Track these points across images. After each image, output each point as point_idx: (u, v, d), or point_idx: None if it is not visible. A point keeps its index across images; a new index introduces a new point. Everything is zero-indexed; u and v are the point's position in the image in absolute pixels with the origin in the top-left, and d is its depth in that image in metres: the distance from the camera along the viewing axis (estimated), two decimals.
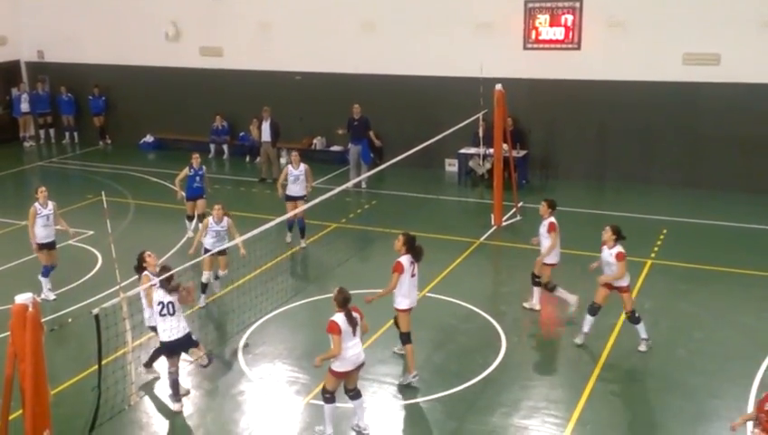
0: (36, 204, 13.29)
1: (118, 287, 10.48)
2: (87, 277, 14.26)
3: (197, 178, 15.93)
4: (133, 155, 24.06)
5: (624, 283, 11.14)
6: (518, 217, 16.98)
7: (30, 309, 6.86)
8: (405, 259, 10.38)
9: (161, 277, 9.67)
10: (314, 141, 22.67)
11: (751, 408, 9.47)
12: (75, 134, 25.90)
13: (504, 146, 16.87)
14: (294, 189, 15.60)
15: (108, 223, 10.73)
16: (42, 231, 13.27)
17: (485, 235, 16.21)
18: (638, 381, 10.72)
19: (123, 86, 24.91)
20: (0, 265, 14.78)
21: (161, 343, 10.01)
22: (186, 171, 15.90)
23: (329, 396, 9.19)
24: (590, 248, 15.14)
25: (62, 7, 25.30)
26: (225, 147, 23.58)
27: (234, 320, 12.54)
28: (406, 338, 10.62)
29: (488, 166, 19.32)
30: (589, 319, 11.38)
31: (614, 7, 18.97)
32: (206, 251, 12.50)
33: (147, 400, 10.38)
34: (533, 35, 19.74)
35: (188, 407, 10.16)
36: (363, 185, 19.63)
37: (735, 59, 18.10)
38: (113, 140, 25.57)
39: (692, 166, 19.06)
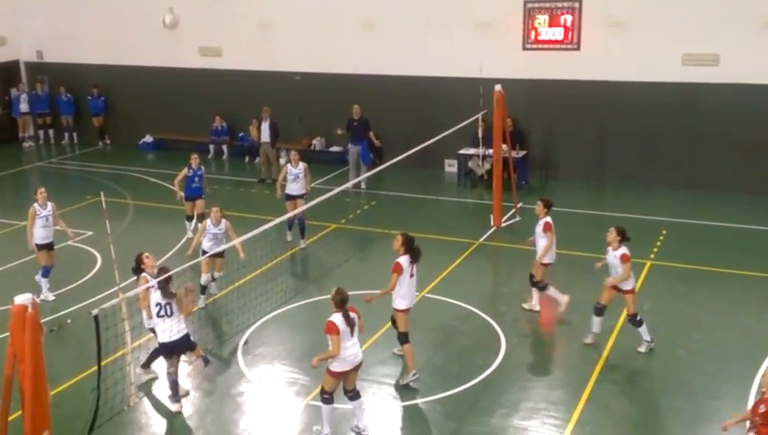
0: (36, 205, 13.30)
1: (117, 288, 10.47)
2: (86, 278, 14.25)
3: (196, 179, 15.97)
4: (132, 155, 24.05)
5: (629, 285, 11.12)
6: (517, 218, 16.97)
7: (29, 310, 6.85)
8: (404, 260, 10.39)
9: (159, 279, 9.64)
10: (314, 142, 22.66)
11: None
12: (74, 134, 25.88)
13: (504, 146, 16.87)
14: (294, 188, 15.67)
15: (107, 223, 10.72)
16: (41, 232, 13.29)
17: (485, 235, 16.20)
18: (638, 382, 10.71)
19: (122, 86, 24.90)
20: (0, 266, 14.77)
21: (159, 343, 10.01)
22: (185, 172, 15.92)
23: (327, 397, 9.19)
24: (589, 249, 15.15)
25: (61, 7, 25.29)
26: (224, 147, 23.57)
27: (233, 321, 12.53)
28: (404, 338, 10.63)
29: (487, 166, 19.32)
30: (596, 319, 11.39)
31: (613, 8, 18.97)
32: (204, 253, 12.52)
33: (146, 400, 10.37)
34: (533, 36, 19.74)
35: (188, 408, 10.15)
36: (363, 185, 19.62)
37: (735, 59, 18.10)
38: (112, 140, 25.56)
39: (691, 166, 19.07)
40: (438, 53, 20.53)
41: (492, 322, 12.32)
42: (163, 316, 9.71)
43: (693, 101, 18.70)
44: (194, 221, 15.97)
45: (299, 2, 22.04)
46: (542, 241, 12.27)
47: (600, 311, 11.34)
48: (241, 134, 23.35)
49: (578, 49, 19.41)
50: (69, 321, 11.56)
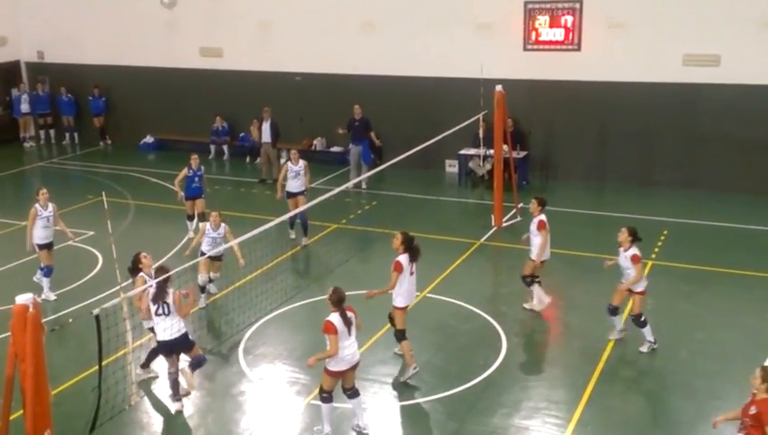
0: (37, 205, 13.34)
1: (118, 288, 10.52)
2: (87, 278, 14.26)
3: (196, 179, 16.05)
4: (133, 156, 24.06)
5: (640, 287, 11.11)
6: (518, 218, 16.96)
7: (30, 309, 6.86)
8: (403, 258, 10.47)
9: (158, 280, 9.62)
10: (314, 142, 22.66)
11: None
12: (75, 135, 25.88)
13: (504, 147, 16.87)
14: (294, 185, 15.81)
15: (109, 223, 10.74)
16: (42, 232, 13.35)
17: (486, 236, 16.21)
18: (640, 381, 10.71)
19: (123, 87, 24.91)
20: (0, 266, 14.78)
21: (157, 341, 10.03)
22: (185, 172, 16.00)
23: (326, 396, 9.21)
24: (590, 249, 15.20)
25: (62, 8, 25.30)
26: (225, 148, 23.57)
27: (234, 320, 12.54)
28: (401, 335, 10.70)
29: (488, 167, 19.31)
30: (614, 318, 11.46)
31: (614, 8, 18.97)
32: (203, 254, 12.55)
33: (147, 400, 10.38)
34: (533, 36, 19.74)
35: (189, 407, 10.15)
36: (363, 186, 19.63)
37: (735, 60, 18.10)
38: (113, 140, 25.57)
39: (692, 167, 19.07)
40: (439, 54, 20.53)
41: (493, 321, 12.32)
42: (161, 315, 9.73)
43: (693, 101, 18.71)
44: (195, 221, 16.06)
45: (299, 2, 22.05)
46: (536, 239, 12.30)
47: (614, 311, 11.40)
48: (242, 134, 23.36)
49: (578, 50, 19.41)
50: (70, 320, 11.58)
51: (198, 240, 13.01)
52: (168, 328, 9.73)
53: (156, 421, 10.01)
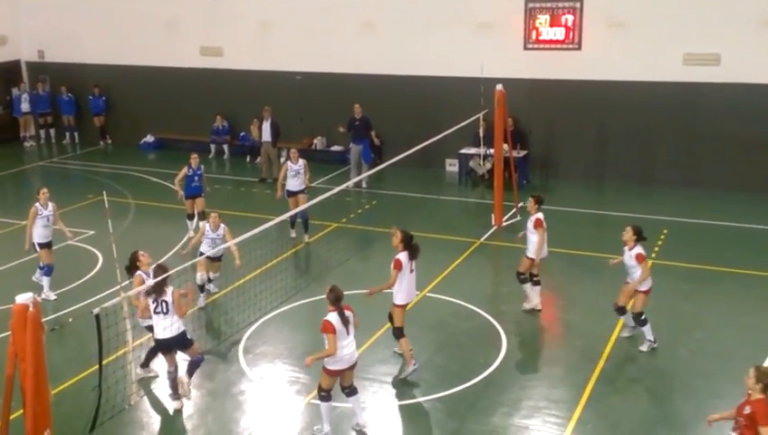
0: (37, 204, 13.36)
1: (118, 287, 10.50)
2: (87, 277, 14.27)
3: (196, 178, 16.09)
4: (133, 155, 24.06)
5: (645, 286, 11.10)
6: (518, 218, 16.94)
7: (30, 309, 6.86)
8: (403, 256, 10.52)
9: (156, 280, 9.61)
10: (315, 141, 22.67)
11: None
12: (75, 134, 25.89)
13: (505, 146, 16.87)
14: (294, 184, 15.90)
15: (109, 223, 10.74)
16: (42, 231, 13.37)
17: (486, 235, 16.21)
18: (639, 380, 10.72)
19: (123, 86, 24.91)
20: (1, 266, 14.78)
21: (155, 340, 10.05)
22: (184, 171, 16.03)
23: (324, 394, 9.23)
24: (590, 248, 15.21)
25: (62, 7, 25.30)
26: (225, 147, 23.57)
27: (234, 319, 12.54)
28: (399, 332, 10.73)
29: (489, 166, 19.32)
30: (622, 317, 11.47)
31: (614, 8, 18.97)
32: (201, 253, 12.57)
33: (147, 399, 10.38)
34: (534, 36, 19.74)
35: (189, 406, 10.15)
36: (363, 185, 19.64)
37: (735, 59, 18.10)
38: (113, 139, 25.58)
39: (692, 166, 19.07)
40: (439, 53, 20.53)
41: (493, 321, 12.32)
42: (159, 313, 9.73)
43: (694, 100, 18.71)
44: (195, 220, 16.08)
45: (299, 1, 22.04)
46: (533, 237, 12.32)
47: (621, 310, 11.39)
48: (242, 134, 23.36)
49: (579, 49, 19.41)
50: (70, 320, 11.57)
51: (198, 240, 13.02)
52: (168, 327, 9.73)
53: (156, 421, 10.02)
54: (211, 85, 23.50)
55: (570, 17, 19.33)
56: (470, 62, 19.19)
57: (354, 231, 16.81)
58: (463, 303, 12.95)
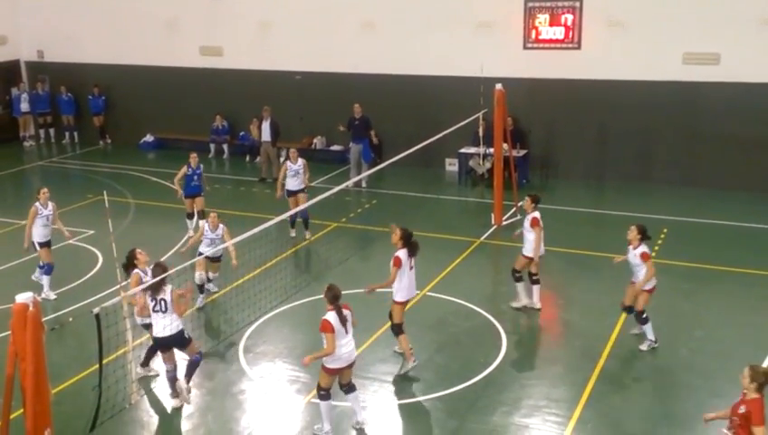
0: (37, 204, 13.37)
1: (118, 286, 10.52)
2: (87, 277, 14.27)
3: (195, 177, 16.12)
4: (133, 155, 24.06)
5: (649, 286, 11.09)
6: (518, 217, 16.93)
7: (30, 308, 6.85)
8: (402, 253, 10.57)
9: (155, 280, 9.60)
10: (314, 141, 22.67)
11: None
12: (75, 134, 25.89)
13: (504, 145, 16.87)
14: (294, 184, 15.98)
15: (109, 222, 10.74)
16: (42, 230, 13.40)
17: (486, 234, 16.21)
18: (639, 379, 10.72)
19: (123, 86, 24.91)
20: (0, 265, 14.78)
21: (153, 338, 10.05)
22: (184, 170, 16.06)
23: (324, 393, 9.24)
24: (590, 247, 15.21)
25: (61, 7, 25.30)
26: (225, 146, 23.57)
27: (234, 319, 12.54)
28: (398, 329, 10.77)
29: (488, 165, 19.32)
30: (630, 317, 11.48)
31: (614, 7, 18.97)
32: (200, 254, 12.55)
33: (147, 398, 10.38)
34: (533, 35, 19.74)
35: (189, 405, 10.14)
36: (363, 184, 19.64)
37: (735, 58, 18.11)
38: (113, 139, 25.58)
39: (692, 165, 19.07)
40: (439, 53, 20.53)
41: (493, 320, 12.33)
42: (158, 311, 9.74)
43: (693, 99, 18.71)
44: (195, 219, 16.10)
45: (299, 1, 22.04)
46: (529, 235, 12.34)
47: (629, 310, 11.40)
48: (242, 133, 23.36)
49: (578, 48, 19.42)
50: (70, 319, 11.57)
51: (197, 239, 13.02)
52: (167, 325, 9.73)
53: (156, 420, 10.01)
54: (211, 85, 23.50)
55: (569, 17, 19.33)
56: (470, 62, 19.20)
57: (354, 230, 16.82)
58: (463, 302, 12.95)
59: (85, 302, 12.76)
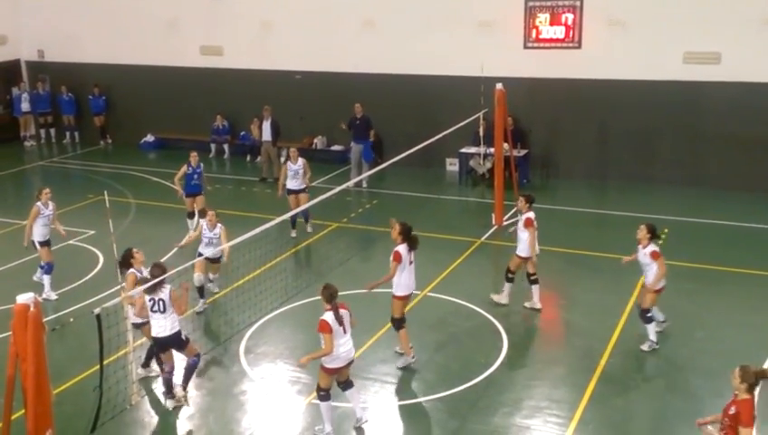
0: (39, 204, 13.39)
1: (119, 287, 10.50)
2: (88, 277, 14.27)
3: (195, 176, 16.14)
4: (134, 155, 24.07)
5: (659, 285, 11.07)
6: (519, 217, 16.93)
7: (31, 309, 6.85)
8: (402, 248, 10.61)
9: (153, 282, 9.58)
10: (315, 141, 22.66)
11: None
12: (76, 134, 25.89)
13: (505, 145, 16.86)
14: (294, 183, 16.08)
15: (110, 223, 10.73)
16: (42, 230, 13.45)
17: (486, 234, 16.20)
18: (641, 380, 10.71)
19: (124, 86, 24.91)
20: (1, 266, 14.79)
21: (152, 338, 10.05)
22: (184, 169, 16.07)
23: (324, 394, 9.25)
24: (591, 248, 15.20)
25: (62, 7, 25.29)
26: (225, 146, 23.57)
27: (235, 319, 12.53)
28: (398, 324, 10.79)
29: (489, 165, 19.31)
30: (651, 315, 11.34)
31: (614, 6, 18.96)
32: (200, 255, 12.52)
33: (148, 399, 10.38)
34: (534, 34, 19.73)
35: (190, 406, 10.14)
36: (364, 184, 19.64)
37: (736, 58, 18.09)
38: (114, 139, 25.58)
39: (693, 165, 19.06)
40: (439, 52, 20.51)
41: (494, 320, 12.32)
42: (156, 311, 9.73)
43: (694, 99, 18.69)
44: (195, 218, 16.06)
45: (299, 1, 22.04)
46: (523, 235, 12.35)
47: (652, 315, 11.30)
48: (242, 133, 23.36)
49: (579, 47, 19.41)
50: (71, 320, 11.54)
51: (196, 237, 12.98)
52: (165, 326, 9.72)
53: (157, 421, 10.00)
54: (211, 85, 23.50)
55: (570, 16, 19.32)
56: (470, 62, 19.18)
57: (355, 231, 16.81)
58: (463, 302, 12.94)
59: (86, 302, 12.76)
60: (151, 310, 9.75)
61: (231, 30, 23.10)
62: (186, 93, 23.96)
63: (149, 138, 24.94)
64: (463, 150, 20.32)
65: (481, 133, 18.76)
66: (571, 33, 19.39)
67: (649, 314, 11.13)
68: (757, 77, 18.03)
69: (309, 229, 16.26)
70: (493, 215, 16.75)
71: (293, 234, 16.08)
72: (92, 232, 16.10)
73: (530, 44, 19.82)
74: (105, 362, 8.82)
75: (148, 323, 10.04)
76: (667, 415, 9.74)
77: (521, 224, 12.44)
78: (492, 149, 17.99)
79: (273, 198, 16.97)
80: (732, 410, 7.35)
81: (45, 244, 13.49)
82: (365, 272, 14.21)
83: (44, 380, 7.02)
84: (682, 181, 19.02)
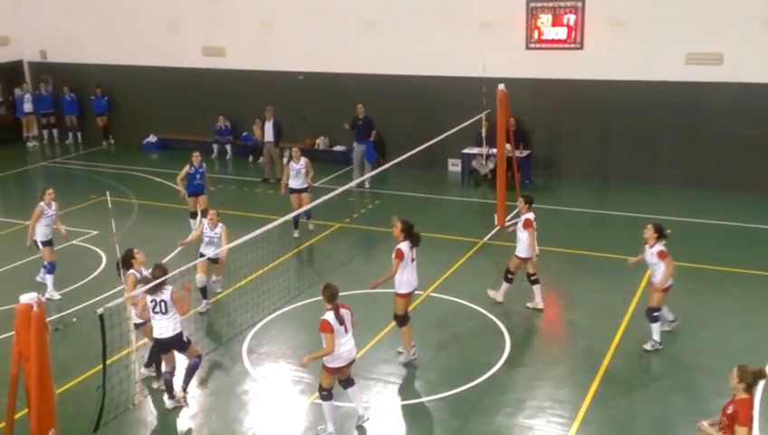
0: (42, 204, 13.42)
1: (122, 287, 10.51)
2: (91, 277, 14.28)
3: (198, 176, 16.17)
4: (136, 155, 24.10)
5: (666, 284, 11.08)
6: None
7: (35, 308, 6.86)
8: (404, 245, 10.63)
9: (154, 283, 9.58)
10: (317, 141, 22.68)
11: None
12: (78, 134, 25.93)
13: (507, 146, 16.86)
14: (296, 182, 16.17)
15: (113, 223, 10.75)
16: (45, 230, 13.50)
17: (489, 235, 16.20)
18: (644, 380, 10.70)
19: (126, 86, 24.94)
20: (4, 266, 14.82)
21: (153, 339, 10.07)
22: (186, 169, 16.10)
23: (326, 394, 9.27)
24: (593, 248, 15.20)
25: (64, 7, 25.33)
26: (228, 147, 23.60)
27: (237, 320, 12.55)
28: (401, 321, 10.81)
29: (491, 166, 19.31)
30: (660, 314, 11.35)
31: (616, 7, 18.96)
32: (202, 255, 12.53)
33: (151, 399, 10.38)
34: (536, 35, 19.73)
35: (193, 406, 10.16)
36: (366, 185, 19.64)
37: (738, 58, 18.09)
38: (116, 140, 25.61)
39: (695, 165, 19.05)
40: (441, 53, 20.52)
41: (496, 320, 12.32)
42: (158, 313, 9.74)
43: (696, 100, 18.69)
44: (198, 217, 16.12)
45: (301, 2, 22.06)
46: (522, 236, 12.38)
47: (659, 314, 11.29)
48: (244, 134, 23.38)
49: (581, 48, 19.41)
50: (74, 319, 11.59)
51: (197, 236, 12.99)
52: (165, 327, 9.73)
53: (159, 420, 10.01)
54: (213, 85, 23.52)
55: (572, 17, 19.33)
56: (472, 62, 19.20)
57: (357, 231, 16.81)
58: (466, 302, 12.95)
59: (89, 302, 12.78)
60: (153, 311, 9.75)
61: (232, 31, 23.13)
62: (188, 94, 23.98)
63: (152, 138, 24.97)
64: (465, 151, 20.33)
65: (483, 134, 18.76)
66: (574, 33, 19.39)
67: (656, 314, 11.13)
68: (759, 78, 18.02)
69: (310, 227, 16.30)
70: (495, 215, 16.75)
71: (296, 234, 16.11)
72: (95, 232, 16.13)
73: (532, 45, 19.82)
74: (108, 362, 8.85)
75: (146, 322, 10.06)
76: (669, 415, 9.74)
77: (520, 225, 12.46)
78: (494, 150, 17.99)
79: (276, 199, 16.99)
80: (730, 410, 7.36)
81: (48, 244, 13.54)
82: (367, 272, 14.20)
83: (47, 379, 7.03)
84: (684, 182, 19.02)
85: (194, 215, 16.32)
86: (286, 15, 22.27)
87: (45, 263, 13.56)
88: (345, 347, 9.10)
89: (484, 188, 19.78)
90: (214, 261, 12.91)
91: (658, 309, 11.25)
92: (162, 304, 9.69)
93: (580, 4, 19.20)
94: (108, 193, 11.87)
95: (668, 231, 11.43)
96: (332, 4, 21.64)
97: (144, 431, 9.81)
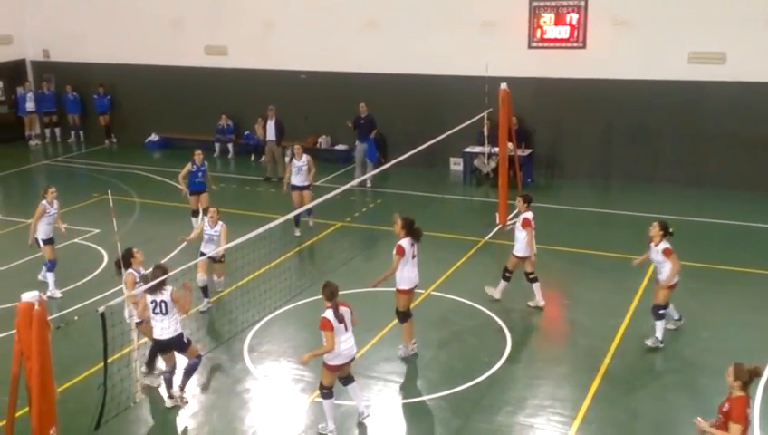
0: (45, 202, 13.44)
1: (122, 286, 10.52)
2: (93, 275, 14.30)
3: (200, 174, 16.16)
4: (138, 154, 24.12)
5: (672, 281, 11.08)
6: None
7: (36, 307, 6.87)
8: (405, 242, 10.64)
9: (153, 283, 9.58)
10: (319, 140, 22.69)
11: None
12: (81, 133, 25.98)
13: (509, 145, 16.86)
14: (298, 179, 16.22)
15: (114, 221, 10.76)
16: (47, 228, 13.53)
17: (490, 234, 16.20)
18: (645, 379, 10.69)
19: (128, 85, 24.97)
20: (6, 264, 14.84)
21: (153, 339, 10.08)
22: (188, 167, 16.09)
23: (326, 392, 9.28)
24: (595, 247, 15.19)
25: (67, 6, 25.37)
26: (230, 146, 23.61)
27: (238, 318, 12.56)
28: (404, 316, 10.84)
29: (493, 165, 19.31)
30: (666, 312, 11.33)
31: (619, 6, 18.94)
32: (202, 254, 12.53)
33: (151, 397, 10.39)
34: (538, 34, 19.73)
35: (194, 404, 10.17)
36: (368, 184, 19.64)
37: (741, 58, 18.07)
38: (118, 138, 25.64)
39: (697, 165, 19.04)
40: (444, 52, 20.52)
41: (497, 319, 12.32)
42: (158, 313, 9.74)
43: (699, 99, 18.67)
44: (200, 216, 16.11)
45: (303, 1, 22.07)
46: (520, 235, 12.38)
47: (665, 312, 11.29)
48: (246, 133, 23.40)
49: (584, 47, 19.40)
50: (76, 318, 11.56)
51: (198, 234, 13.00)
52: (166, 328, 9.73)
53: (160, 419, 10.02)
54: (215, 84, 23.53)
55: (574, 16, 19.31)
56: (474, 61, 19.18)
57: (359, 230, 16.82)
58: (467, 301, 12.95)
59: (90, 300, 12.79)
60: (153, 312, 9.75)
61: (235, 30, 23.14)
62: (190, 93, 23.99)
63: (154, 137, 24.99)
64: (467, 150, 20.33)
65: (485, 133, 18.74)
66: (576, 32, 19.38)
67: (661, 311, 11.12)
68: (762, 77, 18.01)
69: (310, 224, 16.33)
70: (497, 214, 16.74)
71: (297, 233, 16.12)
72: (97, 231, 16.14)
73: (534, 44, 19.81)
74: (109, 361, 8.86)
75: (142, 322, 10.06)
76: (670, 414, 9.74)
77: (518, 224, 12.47)
78: (496, 149, 17.99)
79: (277, 198, 17.00)
80: (725, 407, 7.37)
81: (49, 241, 13.57)
82: (369, 271, 14.19)
83: (49, 378, 7.04)
84: (686, 181, 19.01)
85: (195, 213, 16.33)
86: (288, 15, 22.28)
87: (47, 261, 13.58)
88: (345, 345, 9.12)
89: (485, 187, 19.78)
90: (216, 261, 12.91)
91: (665, 306, 11.24)
92: (162, 304, 9.69)
93: (582, 4, 19.19)
94: (110, 192, 11.85)
95: (672, 230, 11.41)
96: (334, 4, 21.64)
97: (145, 429, 9.82)
